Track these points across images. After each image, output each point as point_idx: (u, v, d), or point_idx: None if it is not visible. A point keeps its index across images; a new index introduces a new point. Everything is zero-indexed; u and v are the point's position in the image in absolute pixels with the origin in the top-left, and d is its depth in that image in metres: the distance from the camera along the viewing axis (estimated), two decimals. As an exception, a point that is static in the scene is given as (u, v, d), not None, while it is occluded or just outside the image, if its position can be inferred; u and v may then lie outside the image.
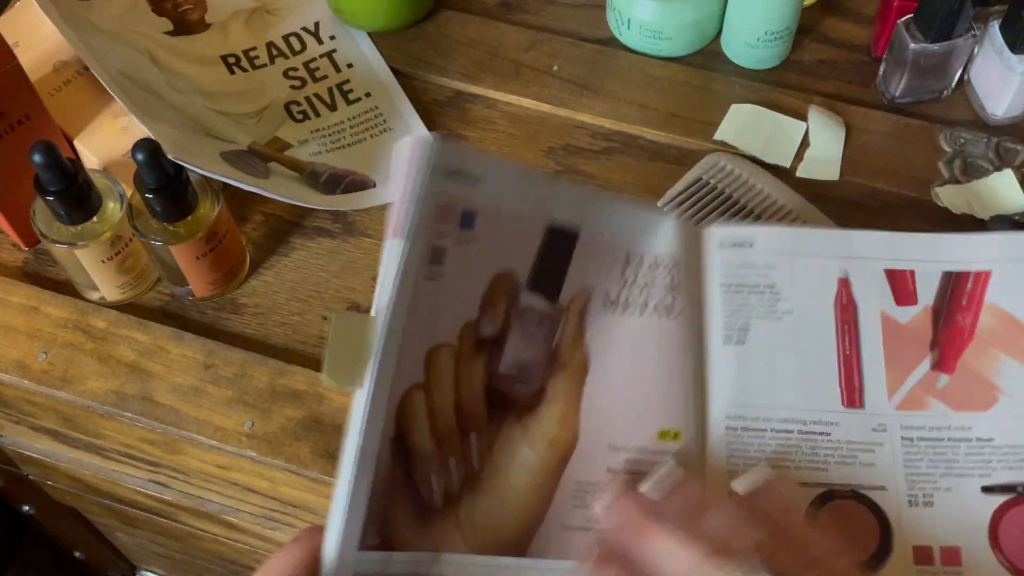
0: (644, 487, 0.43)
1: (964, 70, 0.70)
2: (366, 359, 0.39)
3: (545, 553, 0.43)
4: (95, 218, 0.59)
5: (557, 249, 0.46)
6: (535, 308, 0.45)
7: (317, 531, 0.39)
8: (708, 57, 0.73)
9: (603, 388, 0.46)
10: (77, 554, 1.09)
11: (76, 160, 0.58)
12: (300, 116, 0.70)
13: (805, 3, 0.72)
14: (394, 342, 0.40)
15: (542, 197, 0.45)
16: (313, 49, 0.73)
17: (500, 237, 0.44)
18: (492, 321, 0.43)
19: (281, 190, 0.63)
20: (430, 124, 0.70)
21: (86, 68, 0.68)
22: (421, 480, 0.41)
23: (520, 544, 0.43)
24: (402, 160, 0.41)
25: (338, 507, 0.38)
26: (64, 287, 0.64)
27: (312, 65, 0.72)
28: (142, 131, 0.60)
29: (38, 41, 0.69)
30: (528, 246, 0.45)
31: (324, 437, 0.57)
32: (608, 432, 0.45)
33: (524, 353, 0.44)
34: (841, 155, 0.68)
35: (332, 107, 0.70)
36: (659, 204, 0.64)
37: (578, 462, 0.45)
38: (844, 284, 0.52)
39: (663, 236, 0.49)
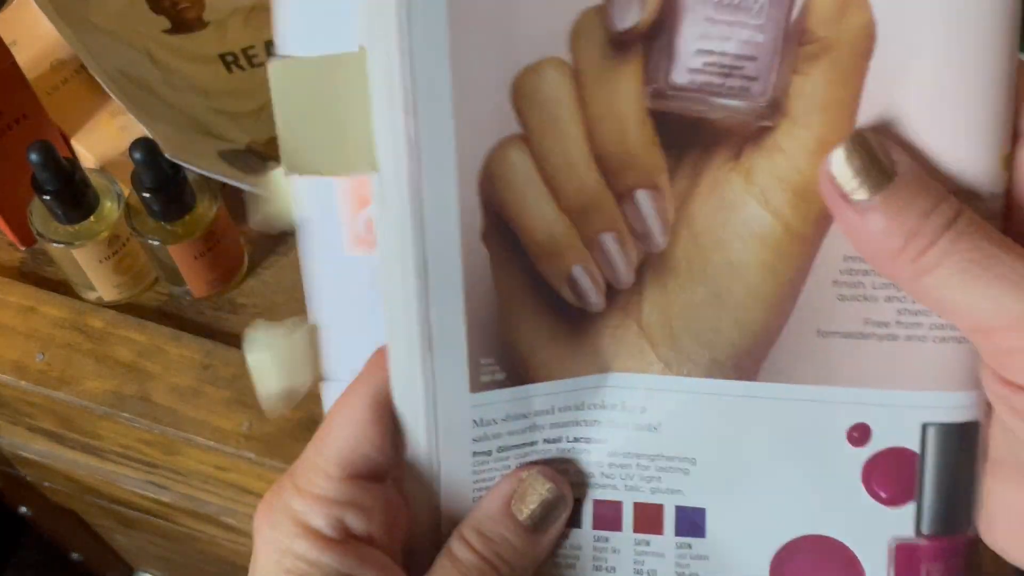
0: None
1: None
2: (368, 127, 0.25)
3: (792, 375, 0.27)
4: (92, 217, 0.58)
5: None
6: None
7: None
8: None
9: (904, 76, 0.25)
10: (75, 556, 1.09)
11: (73, 159, 0.58)
12: (299, 115, 0.69)
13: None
14: (437, 82, 0.24)
15: None
16: (312, 48, 0.73)
17: None
18: (632, 0, 0.25)
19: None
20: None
21: (83, 67, 0.68)
22: (554, 279, 0.27)
23: (750, 360, 0.27)
24: None
25: (408, 349, 0.26)
26: (61, 287, 0.64)
27: (311, 64, 0.72)
28: (140, 130, 0.60)
29: (35, 39, 0.68)
30: None
31: (323, 438, 0.57)
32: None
33: (726, 41, 0.25)
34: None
35: (331, 106, 0.70)
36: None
37: None
38: None
39: None
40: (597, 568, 0.29)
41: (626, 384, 0.28)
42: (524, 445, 0.29)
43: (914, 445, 0.27)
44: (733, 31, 0.25)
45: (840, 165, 0.25)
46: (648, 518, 0.29)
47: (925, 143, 0.25)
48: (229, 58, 0.71)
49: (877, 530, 0.28)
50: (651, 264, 0.27)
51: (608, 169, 0.26)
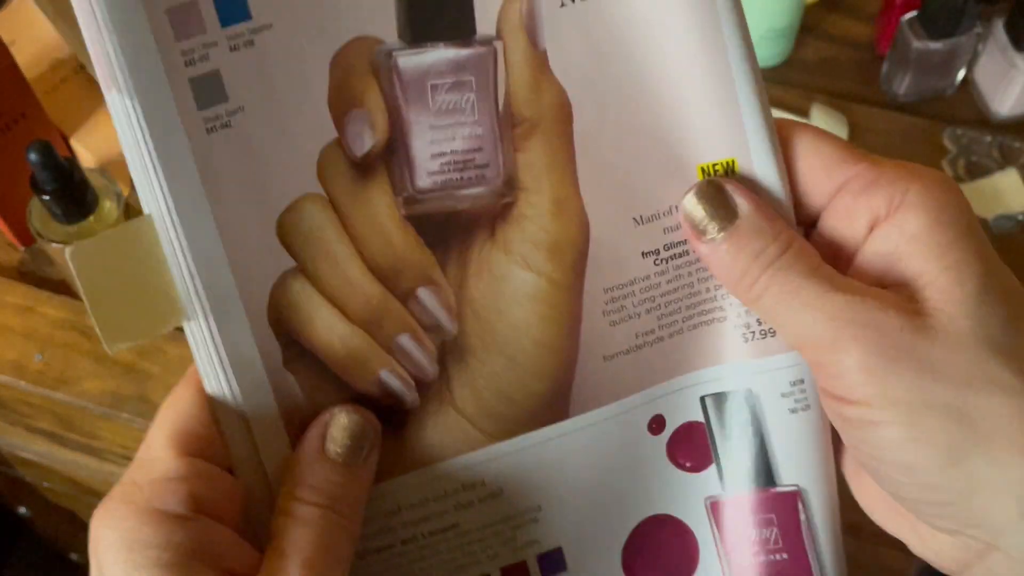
0: None
1: (968, 68, 0.69)
2: (169, 281, 0.27)
3: (594, 401, 0.30)
4: (91, 217, 0.58)
5: None
6: (439, 66, 0.28)
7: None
8: (709, 55, 0.73)
9: (603, 132, 0.29)
10: (73, 556, 1.09)
11: (72, 159, 0.58)
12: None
13: (807, 1, 0.72)
14: (207, 236, 0.27)
15: None
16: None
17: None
18: (363, 124, 0.28)
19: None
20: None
21: (82, 66, 0.68)
22: (365, 386, 0.29)
23: (556, 404, 0.30)
24: None
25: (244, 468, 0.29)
26: (60, 287, 0.64)
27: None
28: (139, 129, 0.60)
29: (34, 39, 0.68)
30: None
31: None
32: (629, 200, 0.29)
33: (452, 141, 0.29)
34: (844, 154, 0.67)
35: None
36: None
37: (600, 261, 0.30)
38: None
39: None
40: None
41: (458, 466, 0.30)
42: (383, 549, 0.30)
43: (699, 416, 0.31)
44: (456, 131, 0.29)
45: (690, 207, 0.29)
46: None
47: (628, 175, 0.29)
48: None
49: (692, 496, 0.32)
50: (449, 350, 0.30)
51: (385, 278, 0.29)
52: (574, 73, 0.28)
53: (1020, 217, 0.64)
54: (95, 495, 0.84)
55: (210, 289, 0.27)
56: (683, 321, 0.31)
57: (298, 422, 0.29)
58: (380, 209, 0.29)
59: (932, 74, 0.68)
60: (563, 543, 0.32)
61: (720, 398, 0.31)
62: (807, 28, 0.73)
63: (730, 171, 0.29)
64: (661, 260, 0.30)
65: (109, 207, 0.59)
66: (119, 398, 0.59)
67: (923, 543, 0.29)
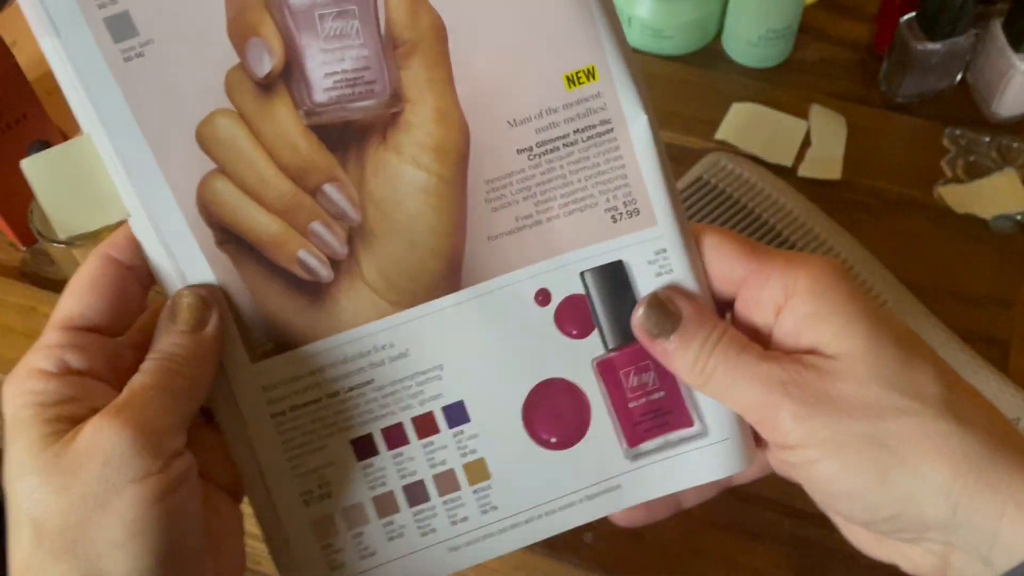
0: None
1: (966, 69, 0.69)
2: (111, 184, 0.34)
3: (482, 275, 0.36)
4: (93, 217, 0.58)
5: None
6: None
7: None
8: (709, 56, 0.73)
9: (474, 49, 0.34)
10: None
11: (74, 159, 0.58)
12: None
13: (806, 1, 0.72)
14: (138, 147, 0.33)
15: None
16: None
17: None
18: (262, 51, 0.34)
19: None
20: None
21: (84, 67, 0.68)
22: (287, 264, 0.35)
23: (450, 277, 0.36)
24: None
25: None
26: (62, 287, 0.63)
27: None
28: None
29: (35, 40, 0.68)
30: None
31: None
32: (502, 106, 0.35)
33: (342, 62, 0.34)
34: (843, 154, 0.67)
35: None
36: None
37: (479, 158, 0.35)
38: None
39: None
40: (403, 477, 0.37)
41: (370, 331, 0.36)
42: (311, 403, 0.36)
43: (580, 289, 0.37)
44: (345, 53, 0.34)
45: (642, 320, 0.36)
46: (425, 425, 0.37)
47: (500, 84, 0.35)
48: (229, 58, 0.71)
49: (580, 358, 0.37)
50: (356, 234, 0.35)
51: (295, 176, 0.35)
52: (446, 3, 0.34)
53: (1019, 217, 0.64)
54: (96, 494, 0.84)
55: (144, 189, 0.34)
56: (559, 208, 0.36)
57: (234, 291, 0.35)
58: (284, 120, 0.34)
59: (931, 75, 0.68)
60: (464, 398, 0.37)
61: (597, 272, 0.37)
62: (806, 29, 0.73)
63: (591, 75, 0.35)
64: (534, 156, 0.36)
65: (110, 207, 0.59)
66: (120, 397, 0.59)
67: (906, 559, 0.34)
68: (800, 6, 0.69)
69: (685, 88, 0.71)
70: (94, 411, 0.32)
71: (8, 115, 0.59)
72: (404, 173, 0.35)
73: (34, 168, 0.34)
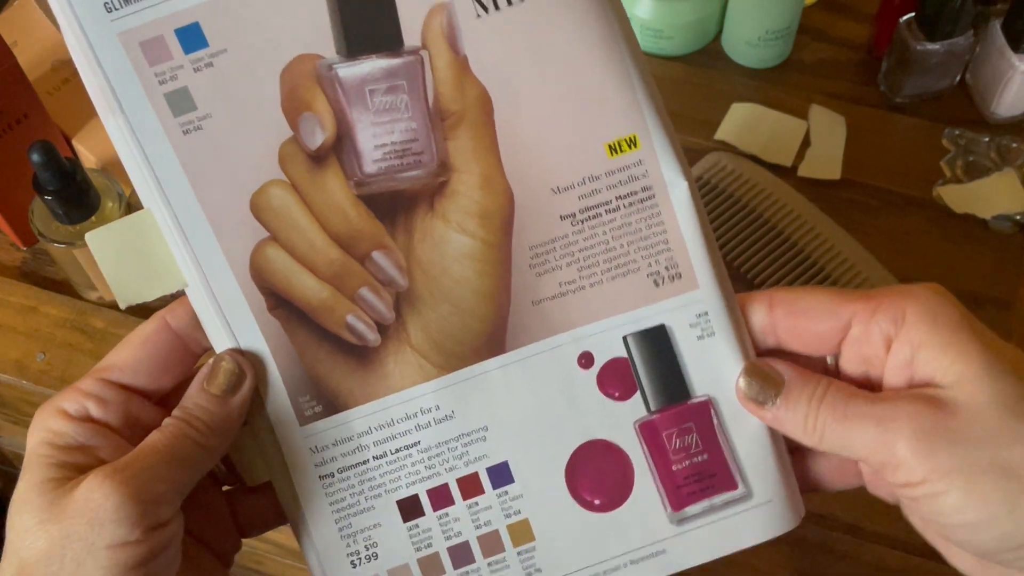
0: None
1: (965, 69, 0.70)
2: (171, 257, 0.35)
3: (526, 339, 0.37)
4: (93, 217, 0.58)
5: None
6: (374, 74, 0.35)
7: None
8: (709, 56, 0.73)
9: (519, 119, 0.35)
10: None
11: (74, 159, 0.58)
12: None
13: (806, 2, 0.72)
14: (195, 217, 0.35)
15: None
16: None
17: (258, 25, 0.34)
18: (314, 124, 0.35)
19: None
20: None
21: (84, 67, 0.68)
22: (336, 329, 0.36)
23: (495, 340, 0.37)
24: (60, 23, 0.34)
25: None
26: (62, 287, 0.64)
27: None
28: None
29: (36, 40, 0.69)
30: (310, 5, 0.34)
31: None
32: (546, 173, 0.36)
33: (391, 134, 0.35)
34: (842, 154, 0.67)
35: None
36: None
37: (524, 224, 0.36)
38: None
39: None
40: (448, 538, 0.37)
41: (417, 393, 0.37)
42: (358, 464, 0.37)
43: (623, 353, 0.37)
44: (394, 125, 0.35)
45: (745, 387, 0.36)
46: (470, 486, 0.37)
47: (544, 153, 0.36)
48: (230, 58, 0.71)
49: (622, 421, 0.37)
50: (403, 300, 0.36)
51: (345, 244, 0.36)
52: (492, 72, 0.35)
53: (1018, 217, 0.64)
54: (97, 494, 0.84)
55: (202, 259, 0.35)
56: (602, 273, 0.37)
57: (284, 356, 0.36)
58: (335, 190, 0.35)
59: (930, 75, 0.68)
60: (509, 458, 0.37)
61: (639, 336, 0.37)
62: (805, 29, 0.73)
63: (632, 143, 0.36)
64: (577, 222, 0.36)
65: (111, 207, 0.59)
66: (121, 397, 0.59)
67: None
68: (800, 6, 0.69)
69: (685, 88, 0.71)
70: (101, 462, 0.33)
71: (9, 115, 0.59)
72: (450, 239, 0.36)
73: (98, 241, 0.35)
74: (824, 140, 0.68)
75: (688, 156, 0.67)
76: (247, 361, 0.36)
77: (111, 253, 0.35)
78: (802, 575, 0.52)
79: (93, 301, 0.63)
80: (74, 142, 0.66)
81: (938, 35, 0.65)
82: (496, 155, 0.36)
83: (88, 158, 0.66)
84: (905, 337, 0.34)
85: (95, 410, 0.34)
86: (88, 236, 0.35)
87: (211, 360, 0.36)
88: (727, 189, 0.65)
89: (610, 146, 0.36)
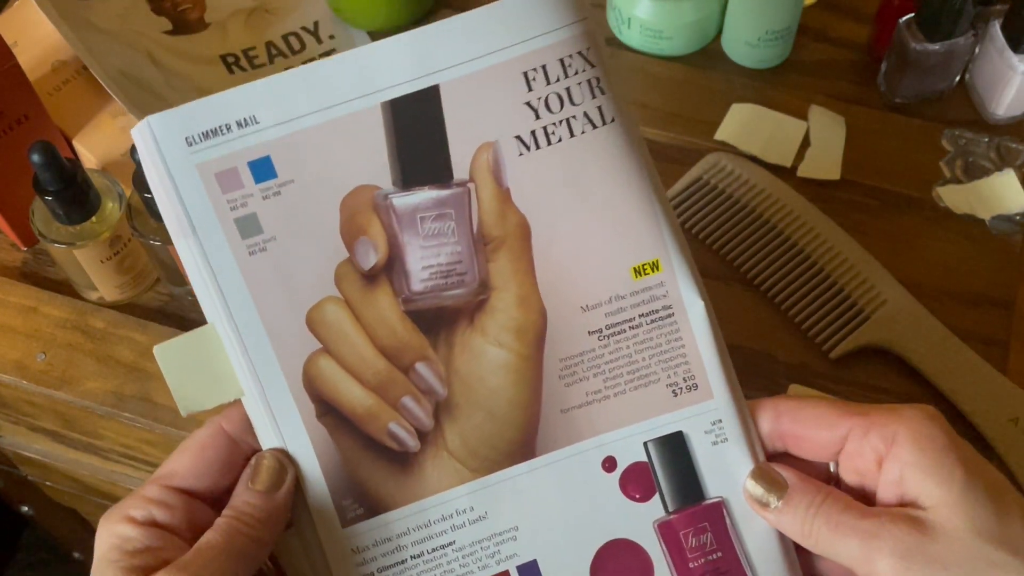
0: None
1: (965, 69, 0.70)
2: (230, 369, 0.38)
3: (554, 444, 0.39)
4: (94, 218, 0.58)
5: (415, 120, 0.38)
6: (426, 203, 0.38)
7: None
8: (708, 56, 0.73)
9: (554, 245, 0.39)
10: (76, 555, 1.09)
11: (75, 160, 0.58)
12: (299, 116, 0.70)
13: (805, 2, 0.72)
14: (256, 332, 0.37)
15: (351, 77, 0.37)
16: (312, 49, 0.73)
17: (323, 161, 0.37)
18: (369, 248, 0.38)
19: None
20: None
21: (85, 68, 0.68)
22: (379, 435, 0.39)
23: (526, 446, 0.39)
24: (141, 153, 0.37)
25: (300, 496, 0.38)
26: (63, 287, 0.64)
27: (311, 65, 0.73)
28: (141, 131, 0.60)
29: (37, 40, 0.69)
30: (371, 142, 0.38)
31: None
32: (576, 293, 0.39)
33: (437, 257, 0.39)
34: (842, 155, 0.68)
35: (331, 107, 0.71)
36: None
37: (555, 339, 0.39)
38: None
39: (557, 15, 0.38)
40: None
41: (453, 496, 0.39)
42: (397, 564, 0.39)
43: (643, 457, 0.40)
44: (441, 249, 0.39)
45: (752, 488, 0.39)
46: None
47: (575, 274, 0.39)
48: (230, 59, 0.71)
49: (643, 521, 0.40)
50: (442, 408, 0.39)
51: (391, 355, 0.39)
52: (531, 202, 0.39)
53: (1017, 218, 0.64)
54: (97, 494, 0.84)
55: (259, 369, 0.38)
56: (625, 384, 0.40)
57: (329, 460, 0.38)
58: (385, 306, 0.38)
59: (930, 76, 0.68)
60: (538, 557, 0.39)
61: (659, 442, 0.40)
62: (805, 30, 0.73)
63: (655, 267, 0.40)
64: (604, 337, 0.39)
65: (111, 208, 0.59)
66: (121, 398, 0.59)
67: None
68: (799, 7, 0.69)
69: (685, 88, 0.71)
70: (166, 563, 0.35)
71: (9, 116, 0.59)
72: (488, 352, 0.39)
73: (165, 354, 0.38)
74: (824, 140, 0.68)
75: (688, 156, 0.67)
76: (287, 457, 0.38)
77: (176, 366, 0.38)
78: (802, 575, 0.52)
79: (93, 301, 0.63)
80: (74, 142, 0.66)
81: (938, 35, 0.65)
82: (532, 276, 0.39)
83: (88, 158, 0.66)
84: (895, 457, 0.36)
85: (160, 515, 0.36)
86: (156, 350, 0.38)
87: (253, 460, 0.38)
88: (727, 189, 0.65)
89: (635, 269, 0.40)
